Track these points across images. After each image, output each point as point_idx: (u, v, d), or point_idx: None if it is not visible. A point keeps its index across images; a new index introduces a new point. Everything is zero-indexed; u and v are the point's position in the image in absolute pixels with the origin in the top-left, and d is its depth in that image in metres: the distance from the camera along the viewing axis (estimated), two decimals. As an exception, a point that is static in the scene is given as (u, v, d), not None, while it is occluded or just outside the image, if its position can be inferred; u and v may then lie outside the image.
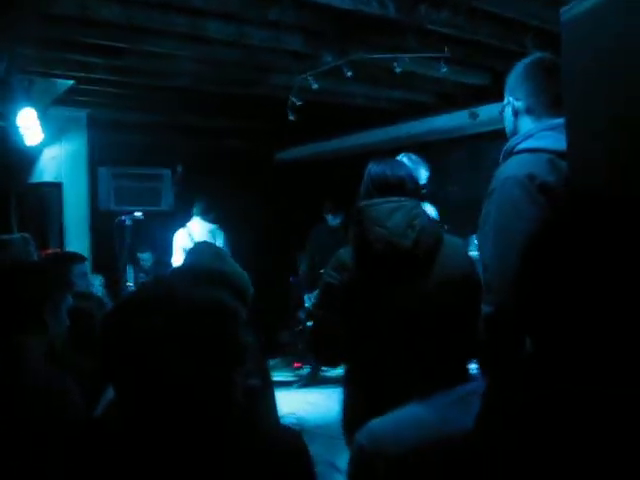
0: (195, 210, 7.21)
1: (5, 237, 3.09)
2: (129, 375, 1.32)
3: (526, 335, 1.96)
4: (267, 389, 2.27)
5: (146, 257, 7.63)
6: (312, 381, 7.23)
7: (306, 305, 7.37)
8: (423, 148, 7.76)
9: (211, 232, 7.12)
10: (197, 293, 1.39)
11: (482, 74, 6.51)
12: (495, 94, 6.47)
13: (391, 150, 7.91)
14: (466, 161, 7.85)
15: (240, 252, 7.62)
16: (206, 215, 7.19)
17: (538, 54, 2.28)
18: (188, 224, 7.12)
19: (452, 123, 7.33)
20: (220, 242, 6.99)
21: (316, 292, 6.55)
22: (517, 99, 2.24)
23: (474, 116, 6.99)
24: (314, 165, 9.08)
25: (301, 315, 7.59)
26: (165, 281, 1.48)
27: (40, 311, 2.29)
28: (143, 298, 1.40)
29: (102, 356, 1.38)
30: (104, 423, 1.94)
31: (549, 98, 2.18)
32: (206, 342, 1.32)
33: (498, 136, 7.17)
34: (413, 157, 6.13)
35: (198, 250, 2.71)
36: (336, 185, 8.33)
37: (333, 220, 7.43)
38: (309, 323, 5.40)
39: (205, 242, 3.41)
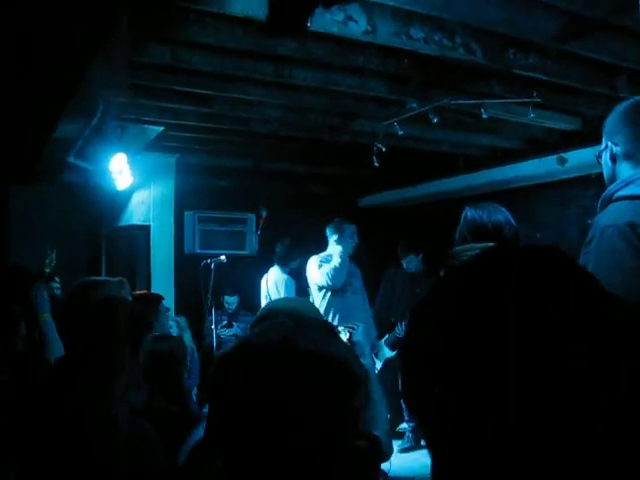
0: (275, 256, 7.07)
1: (102, 278, 3.14)
2: (242, 419, 1.24)
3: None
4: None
5: (232, 300, 7.69)
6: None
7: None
8: (509, 194, 7.65)
9: (282, 282, 6.87)
10: (323, 348, 1.31)
11: (571, 119, 6.37)
12: (584, 139, 6.42)
13: (478, 196, 7.87)
14: (554, 207, 7.66)
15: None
16: (282, 262, 6.97)
17: (638, 98, 2.18)
18: (269, 270, 7.09)
19: (540, 169, 7.18)
20: (288, 292, 6.74)
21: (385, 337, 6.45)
22: (616, 144, 2.15)
23: (562, 161, 6.82)
24: (397, 211, 9.05)
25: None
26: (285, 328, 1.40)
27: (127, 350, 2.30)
28: (264, 343, 1.32)
29: (214, 399, 1.31)
30: (189, 470, 1.91)
31: None
32: (328, 399, 1.24)
33: (587, 182, 7.04)
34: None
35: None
36: (420, 231, 8.26)
37: (408, 264, 6.99)
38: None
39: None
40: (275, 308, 2.27)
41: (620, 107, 2.19)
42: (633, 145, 2.11)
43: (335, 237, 6.11)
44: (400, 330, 6.47)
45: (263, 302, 6.78)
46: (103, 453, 1.94)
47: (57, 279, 5.19)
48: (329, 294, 6.01)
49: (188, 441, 2.30)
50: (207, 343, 6.65)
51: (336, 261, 5.95)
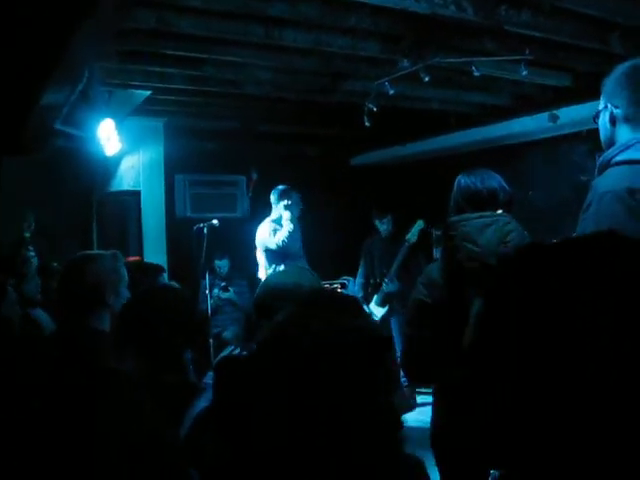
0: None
1: (95, 252, 3.13)
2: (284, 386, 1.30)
3: None
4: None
5: (223, 264, 7.67)
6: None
7: None
8: (501, 152, 7.62)
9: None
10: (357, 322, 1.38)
11: (563, 75, 6.31)
12: (576, 96, 6.37)
13: (469, 153, 7.84)
14: (546, 164, 7.64)
15: (314, 256, 7.65)
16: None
17: (638, 60, 2.14)
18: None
19: (531, 126, 7.14)
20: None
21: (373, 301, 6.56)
22: (616, 106, 2.11)
23: (554, 118, 6.79)
24: (390, 170, 9.02)
25: None
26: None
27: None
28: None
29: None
30: (192, 441, 1.91)
31: None
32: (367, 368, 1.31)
33: (578, 139, 7.02)
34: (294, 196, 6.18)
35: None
36: (413, 189, 8.26)
37: (381, 226, 7.10)
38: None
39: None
40: (277, 288, 2.25)
41: (621, 68, 2.14)
42: (633, 108, 2.08)
43: (284, 202, 6.33)
44: (386, 287, 6.53)
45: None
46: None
47: (31, 248, 5.11)
48: (287, 259, 6.20)
49: (190, 412, 2.31)
50: (203, 309, 6.65)
51: (289, 227, 6.20)
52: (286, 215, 6.28)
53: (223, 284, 7.55)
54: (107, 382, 2.07)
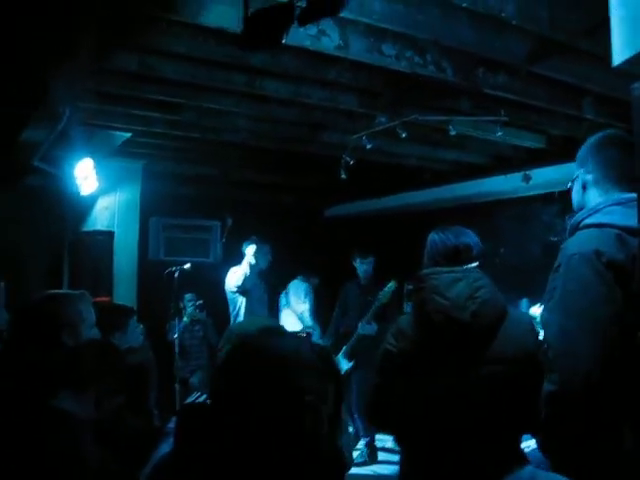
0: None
1: (60, 292, 3.09)
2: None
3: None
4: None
5: (189, 297, 7.64)
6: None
7: None
8: (473, 209, 7.73)
9: (302, 289, 7.74)
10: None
11: (537, 137, 6.46)
12: (549, 157, 6.50)
13: (442, 210, 7.94)
14: (517, 223, 7.76)
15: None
16: (305, 274, 7.82)
17: (610, 130, 2.25)
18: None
19: (505, 185, 7.28)
20: (308, 298, 7.61)
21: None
22: (587, 172, 2.21)
23: (527, 179, 6.93)
24: (364, 222, 9.09)
25: None
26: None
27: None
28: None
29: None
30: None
31: (619, 172, 2.15)
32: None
33: (550, 199, 7.14)
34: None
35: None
36: (385, 242, 8.30)
37: (361, 267, 7.00)
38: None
39: None
40: (240, 335, 2.26)
41: (593, 137, 2.27)
42: (602, 173, 2.18)
43: (252, 251, 6.71)
44: (362, 329, 6.52)
45: (282, 313, 7.70)
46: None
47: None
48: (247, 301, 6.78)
49: (153, 456, 2.28)
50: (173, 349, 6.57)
51: (246, 269, 6.63)
52: (247, 259, 6.64)
53: (199, 302, 7.54)
54: (55, 422, 2.06)
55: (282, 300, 7.92)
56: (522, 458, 2.24)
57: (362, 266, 6.97)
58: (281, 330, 1.66)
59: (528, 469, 2.15)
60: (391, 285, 6.48)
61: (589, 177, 2.21)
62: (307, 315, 7.59)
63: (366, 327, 6.49)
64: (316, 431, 1.51)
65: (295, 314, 7.65)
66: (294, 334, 6.19)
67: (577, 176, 2.27)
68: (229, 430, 1.47)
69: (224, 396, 1.52)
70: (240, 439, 1.45)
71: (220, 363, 1.57)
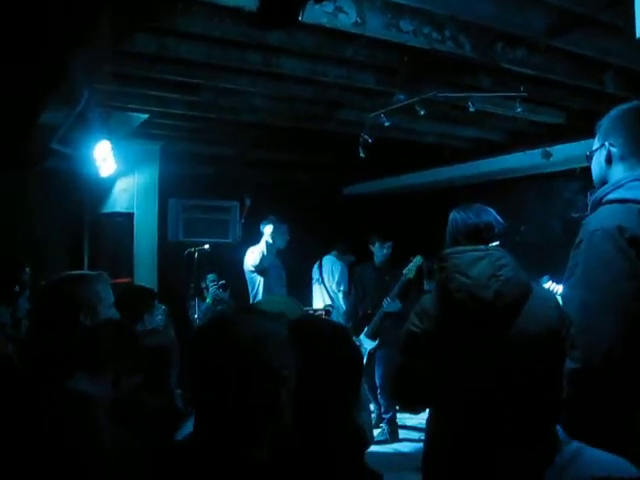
0: (335, 246, 8.03)
1: (77, 273, 3.11)
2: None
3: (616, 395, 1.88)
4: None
5: (211, 277, 7.64)
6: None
7: None
8: (494, 187, 7.68)
9: (338, 268, 7.93)
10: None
11: (556, 113, 6.39)
12: (569, 133, 6.42)
13: (462, 187, 7.89)
14: (538, 200, 7.70)
15: (303, 283, 7.65)
16: (342, 252, 8.04)
17: (637, 102, 2.18)
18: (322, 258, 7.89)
19: (524, 162, 7.20)
20: (342, 277, 7.82)
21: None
22: (613, 145, 2.15)
23: (547, 155, 6.85)
24: (382, 200, 9.05)
25: None
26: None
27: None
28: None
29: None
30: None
31: None
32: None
33: (571, 176, 7.07)
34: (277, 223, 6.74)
35: None
36: (405, 221, 8.28)
37: (380, 251, 6.96)
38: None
39: None
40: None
41: (619, 108, 2.17)
42: (629, 149, 2.11)
43: (270, 231, 6.84)
44: (387, 306, 6.51)
45: (314, 287, 7.95)
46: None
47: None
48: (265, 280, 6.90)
49: (176, 437, 2.29)
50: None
51: (263, 249, 6.76)
52: (264, 239, 6.76)
53: (222, 282, 7.55)
54: (71, 404, 2.08)
55: (315, 273, 8.04)
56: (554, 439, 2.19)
57: (381, 250, 6.94)
58: (263, 311, 1.66)
59: (574, 444, 2.10)
60: (417, 260, 6.47)
61: (615, 150, 2.14)
62: (341, 297, 7.71)
63: (391, 304, 6.49)
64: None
65: (327, 292, 7.72)
66: (310, 312, 6.22)
67: (600, 147, 2.19)
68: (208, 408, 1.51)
69: (199, 374, 1.53)
70: (219, 416, 1.48)
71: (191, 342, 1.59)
